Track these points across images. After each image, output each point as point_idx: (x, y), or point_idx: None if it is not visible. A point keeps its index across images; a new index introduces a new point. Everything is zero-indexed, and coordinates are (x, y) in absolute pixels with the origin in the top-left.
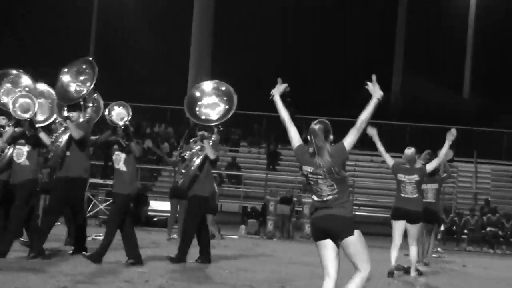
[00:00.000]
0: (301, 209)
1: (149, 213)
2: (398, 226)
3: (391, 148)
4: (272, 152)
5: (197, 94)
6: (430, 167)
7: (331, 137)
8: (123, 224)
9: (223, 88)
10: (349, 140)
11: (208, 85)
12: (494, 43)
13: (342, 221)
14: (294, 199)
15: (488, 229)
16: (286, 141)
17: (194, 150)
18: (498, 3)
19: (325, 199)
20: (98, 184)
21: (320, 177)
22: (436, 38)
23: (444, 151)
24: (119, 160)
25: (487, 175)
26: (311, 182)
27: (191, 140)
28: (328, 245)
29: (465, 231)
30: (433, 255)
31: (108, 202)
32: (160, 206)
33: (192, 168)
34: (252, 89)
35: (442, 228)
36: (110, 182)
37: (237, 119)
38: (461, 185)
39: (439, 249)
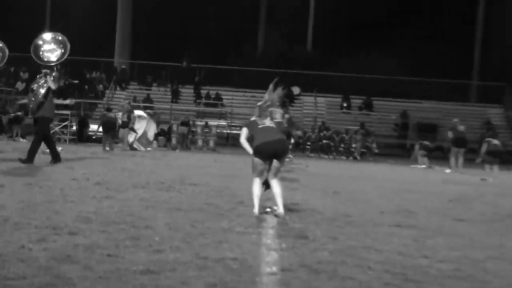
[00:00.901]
0: (195, 129)
1: (89, 133)
2: None
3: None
4: (175, 91)
5: (40, 42)
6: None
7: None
8: None
9: (60, 38)
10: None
11: (47, 35)
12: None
13: (287, 144)
14: (190, 122)
15: (323, 141)
16: (184, 82)
17: (40, 84)
18: None
19: (269, 125)
20: None
21: (267, 122)
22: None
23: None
24: None
25: (323, 105)
26: (261, 127)
27: (37, 76)
28: (267, 161)
29: (308, 143)
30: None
31: (63, 125)
32: (96, 128)
33: (39, 96)
34: (161, 45)
35: (292, 141)
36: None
37: (150, 67)
38: (306, 112)
39: (290, 155)
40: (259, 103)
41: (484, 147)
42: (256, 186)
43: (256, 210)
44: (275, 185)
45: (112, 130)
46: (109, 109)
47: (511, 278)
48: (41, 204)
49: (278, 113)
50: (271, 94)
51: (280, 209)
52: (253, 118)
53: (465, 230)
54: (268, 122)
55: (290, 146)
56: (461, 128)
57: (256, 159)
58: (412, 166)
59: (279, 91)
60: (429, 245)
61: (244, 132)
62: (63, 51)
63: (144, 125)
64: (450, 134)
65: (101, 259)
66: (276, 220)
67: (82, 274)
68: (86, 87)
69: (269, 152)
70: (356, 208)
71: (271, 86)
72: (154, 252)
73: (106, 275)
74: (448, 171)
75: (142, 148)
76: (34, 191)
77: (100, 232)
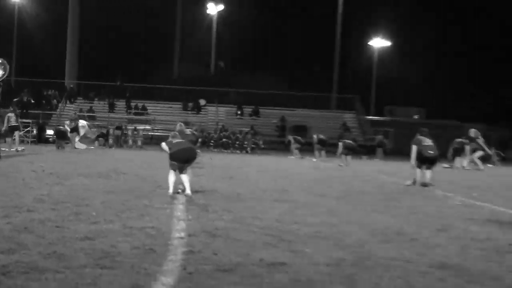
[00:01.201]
0: (126, 132)
1: (46, 136)
2: None
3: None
4: (111, 103)
5: None
6: None
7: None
8: None
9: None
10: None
11: None
12: (231, 42)
13: (196, 152)
14: (123, 127)
15: (223, 140)
16: (118, 97)
17: None
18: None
19: (181, 140)
20: None
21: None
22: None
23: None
24: None
25: (222, 113)
26: (176, 142)
27: None
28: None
29: (212, 141)
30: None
31: (26, 130)
32: (51, 132)
33: None
34: (101, 68)
35: (200, 140)
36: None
37: (93, 86)
38: (210, 118)
39: (198, 150)
40: (174, 133)
41: (340, 147)
42: (171, 175)
43: (170, 191)
44: (183, 176)
45: (62, 138)
46: (59, 125)
47: (357, 236)
48: (7, 189)
49: (187, 130)
50: (185, 131)
51: (188, 191)
52: (169, 140)
53: (325, 203)
54: (180, 139)
55: (199, 144)
56: (321, 136)
57: (173, 162)
58: (289, 157)
59: (189, 130)
60: (298, 214)
61: (164, 143)
62: (3, 72)
63: (84, 131)
64: (315, 139)
65: (51, 229)
66: (185, 198)
67: (36, 241)
68: (44, 101)
69: (183, 158)
70: (246, 188)
71: (183, 126)
72: (92, 223)
73: (54, 242)
74: (314, 160)
75: (85, 146)
76: (2, 179)
77: (51, 209)
